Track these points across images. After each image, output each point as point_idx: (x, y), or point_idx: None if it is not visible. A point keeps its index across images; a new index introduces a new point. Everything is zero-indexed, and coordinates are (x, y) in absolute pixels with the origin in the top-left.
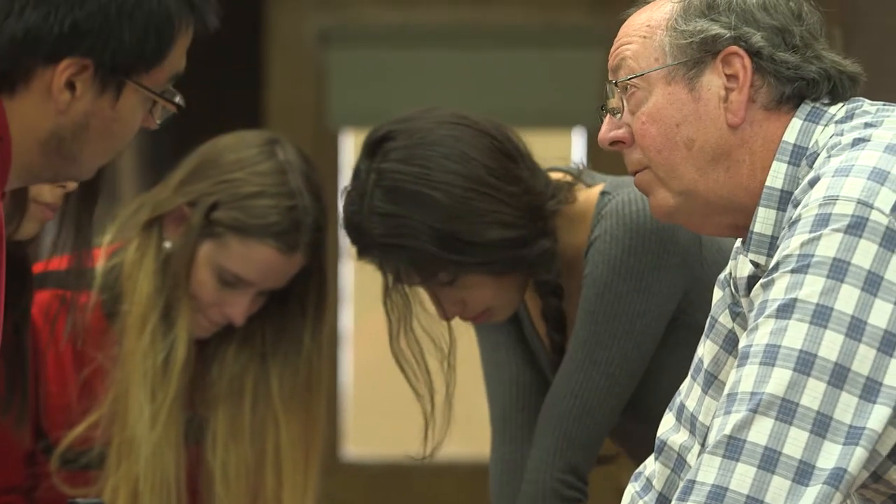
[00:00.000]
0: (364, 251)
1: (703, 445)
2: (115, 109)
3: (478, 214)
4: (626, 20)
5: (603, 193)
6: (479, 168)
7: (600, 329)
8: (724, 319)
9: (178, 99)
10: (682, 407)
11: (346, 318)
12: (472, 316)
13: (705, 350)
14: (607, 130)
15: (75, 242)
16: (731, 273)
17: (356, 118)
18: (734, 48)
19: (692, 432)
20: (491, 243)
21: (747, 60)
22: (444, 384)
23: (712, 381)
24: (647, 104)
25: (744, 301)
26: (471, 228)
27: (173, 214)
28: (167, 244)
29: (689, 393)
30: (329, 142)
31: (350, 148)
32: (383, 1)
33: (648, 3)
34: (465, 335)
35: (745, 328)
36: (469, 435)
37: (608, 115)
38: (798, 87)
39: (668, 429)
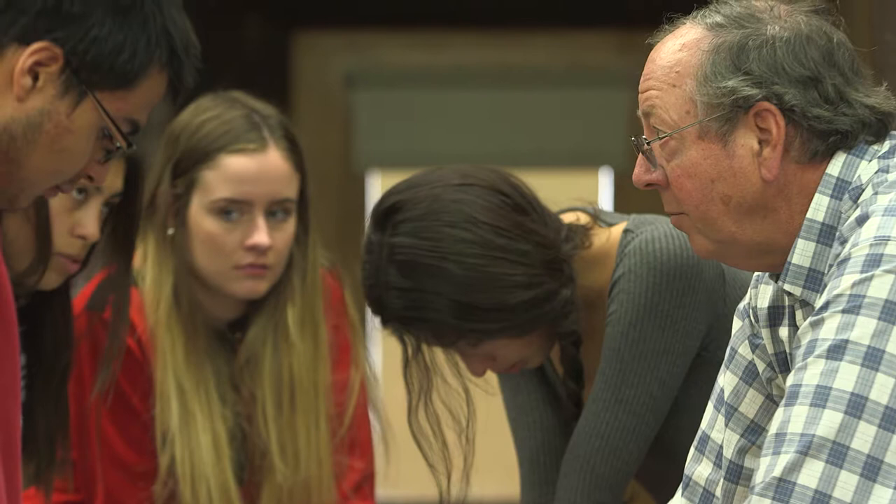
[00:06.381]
0: (386, 322)
1: (727, 479)
2: (70, 118)
3: (494, 280)
4: (655, 46)
5: (626, 231)
6: (489, 232)
7: (626, 368)
8: (744, 350)
9: (131, 140)
10: (705, 437)
11: (375, 358)
12: (502, 370)
13: (725, 381)
14: (641, 172)
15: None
16: (750, 303)
17: (383, 160)
18: (766, 104)
19: (717, 464)
20: (511, 307)
21: (780, 118)
22: (462, 457)
23: (733, 413)
24: (682, 157)
25: (763, 332)
26: (488, 296)
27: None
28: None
29: (714, 424)
30: (356, 183)
31: (377, 189)
32: (409, 43)
33: (679, 14)
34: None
35: (764, 360)
36: (495, 475)
37: (640, 154)
38: (833, 141)
39: (692, 462)
